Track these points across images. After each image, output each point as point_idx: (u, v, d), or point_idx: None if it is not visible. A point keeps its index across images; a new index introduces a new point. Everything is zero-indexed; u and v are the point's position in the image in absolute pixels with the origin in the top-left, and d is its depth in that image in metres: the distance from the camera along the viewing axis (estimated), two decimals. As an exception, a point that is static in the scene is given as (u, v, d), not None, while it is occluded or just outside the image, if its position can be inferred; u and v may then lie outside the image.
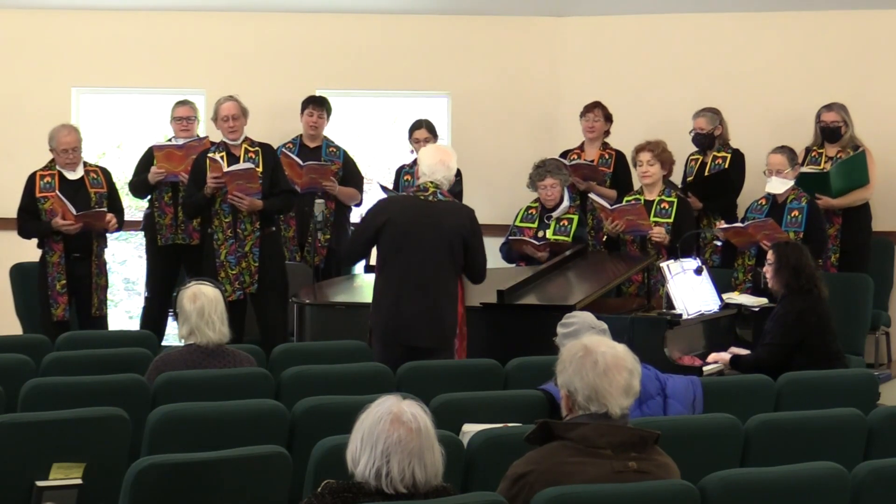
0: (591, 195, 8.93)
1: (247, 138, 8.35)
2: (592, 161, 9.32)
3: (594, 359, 3.89)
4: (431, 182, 6.77)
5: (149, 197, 8.89)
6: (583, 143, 9.47)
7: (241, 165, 8.09)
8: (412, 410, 3.52)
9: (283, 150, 9.04)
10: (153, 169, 8.69)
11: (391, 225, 6.70)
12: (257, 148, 8.34)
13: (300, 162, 8.95)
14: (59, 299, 8.25)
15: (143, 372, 5.85)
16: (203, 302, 5.80)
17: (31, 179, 8.35)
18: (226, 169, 8.03)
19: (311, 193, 8.91)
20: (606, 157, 9.37)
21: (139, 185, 8.83)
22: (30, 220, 8.30)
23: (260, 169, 8.22)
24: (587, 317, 5.49)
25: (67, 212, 8.11)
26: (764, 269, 7.19)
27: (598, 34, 10.29)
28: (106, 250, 8.54)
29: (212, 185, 8.10)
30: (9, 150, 9.97)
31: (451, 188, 8.87)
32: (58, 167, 8.33)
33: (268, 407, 5.17)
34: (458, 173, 9.25)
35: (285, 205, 8.45)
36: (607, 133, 9.44)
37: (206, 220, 8.37)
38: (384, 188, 9.06)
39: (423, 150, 7.08)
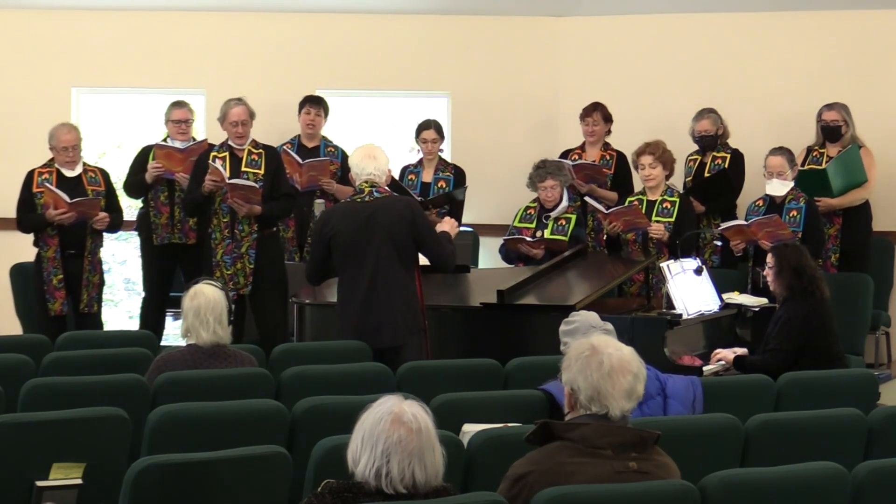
0: (588, 198, 8.92)
1: (252, 140, 8.37)
2: (594, 161, 9.32)
3: (599, 359, 3.88)
4: (365, 182, 6.77)
5: (144, 197, 8.90)
6: (583, 144, 9.46)
7: (245, 181, 8.11)
8: (413, 411, 3.52)
9: (284, 148, 9.06)
10: (151, 164, 8.69)
11: (336, 236, 6.75)
12: (261, 150, 8.36)
13: (300, 160, 8.96)
14: (55, 294, 8.27)
15: (143, 372, 5.85)
16: (200, 301, 5.79)
17: (29, 175, 8.40)
18: (228, 180, 8.05)
19: (311, 193, 8.91)
20: (608, 158, 9.36)
21: (135, 185, 8.84)
22: (28, 212, 8.33)
23: (262, 172, 8.25)
24: (590, 316, 5.49)
25: (60, 200, 8.12)
26: (765, 273, 7.18)
27: (598, 34, 10.29)
28: (102, 249, 8.55)
29: (209, 186, 8.12)
30: (9, 150, 9.96)
31: (454, 197, 8.92)
32: (56, 165, 8.35)
33: (268, 407, 5.16)
34: (463, 178, 9.29)
35: (284, 209, 8.47)
36: (608, 133, 9.43)
37: (204, 221, 8.39)
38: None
39: (351, 154, 7.06)
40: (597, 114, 9.34)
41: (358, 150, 6.95)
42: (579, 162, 9.24)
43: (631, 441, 3.86)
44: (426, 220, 6.89)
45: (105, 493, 4.64)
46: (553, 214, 8.60)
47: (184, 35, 10.28)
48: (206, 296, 5.82)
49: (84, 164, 8.48)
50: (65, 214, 8.15)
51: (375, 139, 10.44)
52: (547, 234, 8.55)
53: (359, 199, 6.78)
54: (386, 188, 6.85)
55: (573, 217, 8.61)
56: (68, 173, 8.36)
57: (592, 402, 3.86)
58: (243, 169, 8.26)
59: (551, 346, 5.50)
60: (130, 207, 9.61)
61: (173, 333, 8.64)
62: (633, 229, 8.39)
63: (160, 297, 8.87)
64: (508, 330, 7.12)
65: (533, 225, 8.65)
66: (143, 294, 9.09)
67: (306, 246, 8.97)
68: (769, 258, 7.10)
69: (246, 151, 8.31)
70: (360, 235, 6.71)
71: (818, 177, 8.81)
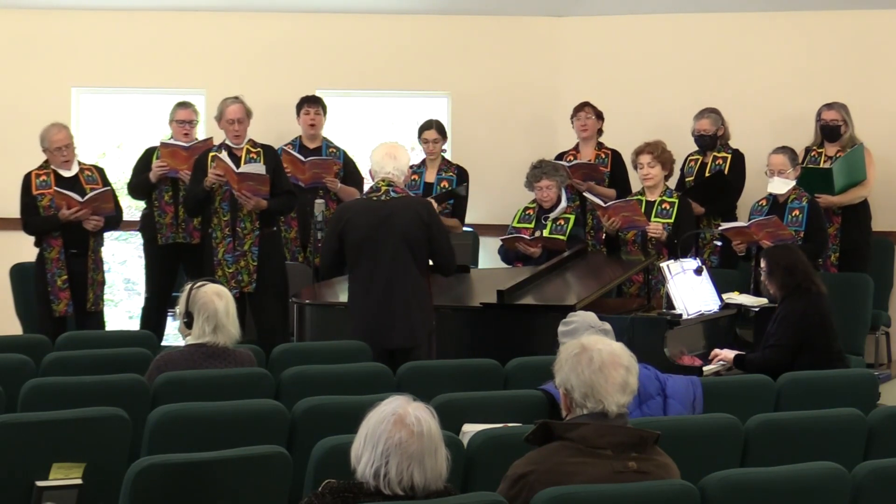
0: (587, 193, 8.94)
1: (250, 140, 8.37)
2: (589, 160, 9.33)
3: (589, 356, 3.89)
4: (383, 180, 6.76)
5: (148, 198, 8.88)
6: (577, 144, 9.48)
7: (254, 168, 8.08)
8: (417, 413, 3.51)
9: (285, 147, 9.05)
10: (156, 162, 8.69)
11: (350, 231, 6.73)
12: (259, 149, 8.35)
13: (302, 158, 8.96)
14: (60, 295, 8.25)
15: (143, 372, 5.84)
16: (228, 300, 5.74)
17: (27, 178, 8.37)
18: (238, 169, 8.03)
19: (313, 193, 8.89)
20: (602, 156, 9.38)
21: (139, 186, 8.82)
22: (33, 216, 8.31)
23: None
24: (588, 316, 5.49)
25: (72, 201, 8.11)
26: (761, 278, 7.20)
27: (597, 34, 10.29)
28: (103, 248, 8.54)
29: (212, 179, 8.10)
30: (9, 150, 9.96)
31: (457, 193, 8.92)
32: (52, 166, 8.33)
33: (268, 407, 5.16)
34: (466, 178, 9.29)
35: (287, 206, 8.46)
36: (600, 132, 9.45)
37: (206, 220, 8.38)
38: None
39: (373, 149, 6.99)
40: (587, 109, 9.39)
41: (381, 146, 6.91)
42: (575, 162, 9.25)
43: (631, 441, 3.86)
44: (440, 222, 6.89)
45: (105, 493, 4.63)
46: (552, 215, 8.61)
47: (184, 35, 10.28)
48: (228, 295, 5.78)
49: (79, 163, 8.46)
50: (80, 212, 8.14)
51: (375, 139, 10.49)
52: (546, 234, 8.55)
53: (374, 198, 6.75)
54: (402, 188, 6.85)
55: (572, 217, 8.62)
56: (65, 174, 8.33)
57: (587, 399, 3.87)
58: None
59: (551, 346, 5.46)
60: (131, 208, 9.61)
61: (174, 334, 8.63)
62: (632, 227, 8.39)
63: (162, 298, 8.84)
64: (508, 330, 7.12)
65: (531, 225, 8.66)
66: (143, 294, 9.07)
67: (309, 246, 8.97)
68: (762, 262, 7.13)
69: (244, 150, 8.30)
70: (375, 234, 6.69)
71: (823, 175, 8.81)
